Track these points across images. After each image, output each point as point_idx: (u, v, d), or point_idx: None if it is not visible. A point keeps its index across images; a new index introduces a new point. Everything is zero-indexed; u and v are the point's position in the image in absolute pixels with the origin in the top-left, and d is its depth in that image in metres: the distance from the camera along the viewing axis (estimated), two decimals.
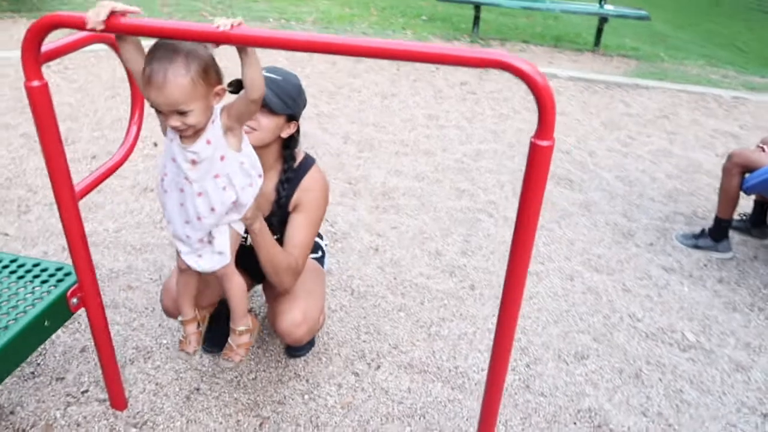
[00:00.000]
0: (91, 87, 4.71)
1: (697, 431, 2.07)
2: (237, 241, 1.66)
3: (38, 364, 2.16)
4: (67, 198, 1.44)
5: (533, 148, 1.13)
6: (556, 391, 2.20)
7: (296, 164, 1.90)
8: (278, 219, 1.89)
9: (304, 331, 1.94)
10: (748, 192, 2.98)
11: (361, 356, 2.31)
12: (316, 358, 2.28)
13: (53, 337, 2.27)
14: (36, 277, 1.73)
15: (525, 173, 1.17)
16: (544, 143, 1.12)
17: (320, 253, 2.25)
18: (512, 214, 3.37)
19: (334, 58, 5.71)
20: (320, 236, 2.27)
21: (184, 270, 1.68)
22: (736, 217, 3.27)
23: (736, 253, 3.13)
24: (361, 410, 2.07)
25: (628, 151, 4.33)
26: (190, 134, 1.38)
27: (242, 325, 1.78)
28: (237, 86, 1.55)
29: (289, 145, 1.88)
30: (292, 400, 2.10)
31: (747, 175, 2.92)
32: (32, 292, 1.66)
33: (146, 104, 1.91)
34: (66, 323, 2.31)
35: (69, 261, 1.64)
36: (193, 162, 1.42)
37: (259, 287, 2.38)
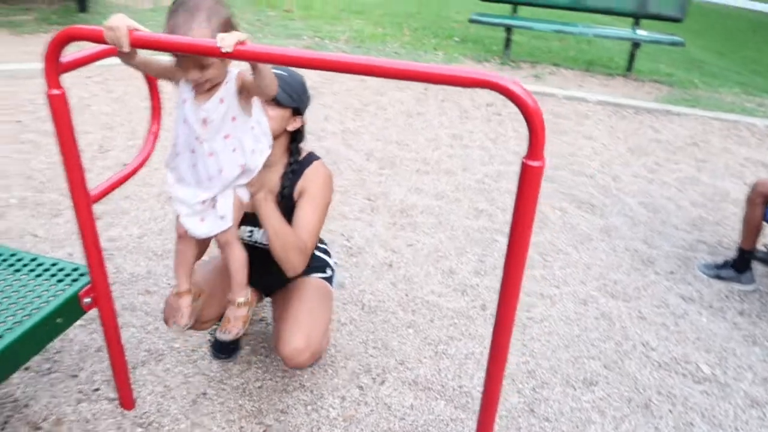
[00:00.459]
0: (128, 98, 4.89)
1: None
2: (241, 210, 1.68)
3: (55, 361, 2.24)
4: (82, 201, 1.52)
5: (524, 168, 1.15)
6: (561, 417, 2.18)
7: (301, 158, 1.97)
8: (284, 209, 1.91)
9: (306, 358, 1.92)
10: None
11: (367, 370, 2.33)
12: (321, 370, 2.30)
13: (71, 335, 2.36)
14: (53, 276, 1.81)
15: (517, 193, 1.19)
16: (535, 164, 1.14)
17: (329, 273, 2.22)
18: None
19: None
20: (328, 254, 2.26)
21: (182, 237, 1.70)
22: (761, 248, 3.18)
23: (760, 285, 3.05)
24: (362, 424, 2.08)
25: (654, 178, 4.26)
26: (206, 89, 1.44)
27: (241, 296, 1.79)
28: None
29: (296, 138, 1.96)
30: (295, 410, 2.12)
31: None
32: (48, 290, 1.74)
33: (165, 115, 2.01)
34: (84, 323, 2.41)
35: None
36: (205, 121, 1.47)
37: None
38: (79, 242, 2.94)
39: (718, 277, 3.06)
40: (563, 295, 2.88)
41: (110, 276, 2.20)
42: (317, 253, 2.18)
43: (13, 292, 1.74)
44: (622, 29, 6.82)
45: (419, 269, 2.99)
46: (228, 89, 1.47)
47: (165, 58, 1.51)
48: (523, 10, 7.08)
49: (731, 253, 3.18)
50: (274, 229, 1.76)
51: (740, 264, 3.02)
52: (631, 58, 6.77)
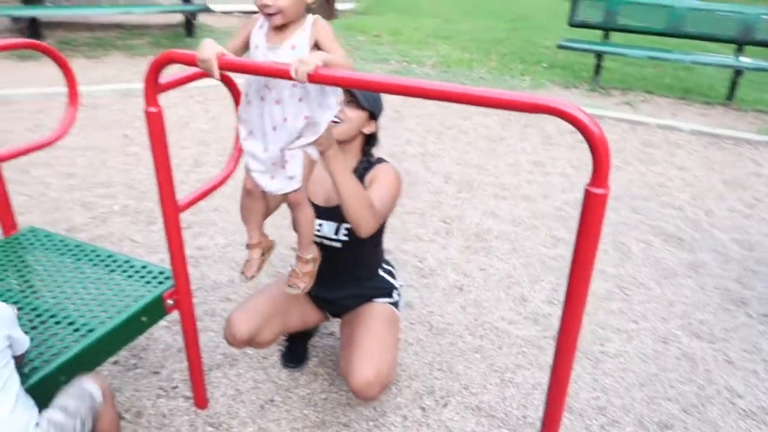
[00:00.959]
0: (223, 117, 5.21)
1: None
2: (310, 168, 1.64)
3: (140, 357, 2.41)
4: (171, 210, 1.65)
5: (587, 195, 1.14)
6: None
7: (373, 159, 2.06)
8: None
9: (376, 391, 1.90)
10: None
11: (431, 392, 2.33)
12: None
13: (156, 334, 2.53)
14: (142, 277, 1.96)
15: (579, 221, 1.18)
16: (599, 191, 1.13)
17: (396, 297, 2.21)
18: (609, 268, 3.26)
19: None
20: (393, 276, 2.25)
21: (250, 192, 1.67)
22: None
23: None
24: None
25: (752, 213, 3.99)
26: (277, 23, 1.41)
27: (309, 253, 1.81)
28: None
29: (369, 141, 2.04)
30: (357, 424, 2.16)
31: None
32: (137, 290, 1.89)
33: None
34: (169, 324, 2.58)
35: None
36: None
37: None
38: None
39: None
40: (641, 330, 2.75)
41: (195, 282, 2.36)
42: (382, 274, 2.21)
43: (107, 290, 1.90)
44: (723, 56, 6.46)
45: (490, 294, 2.96)
46: (302, 36, 1.43)
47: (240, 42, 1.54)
48: (616, 36, 6.89)
49: None
50: (346, 184, 1.68)
51: None
52: (733, 86, 6.40)
